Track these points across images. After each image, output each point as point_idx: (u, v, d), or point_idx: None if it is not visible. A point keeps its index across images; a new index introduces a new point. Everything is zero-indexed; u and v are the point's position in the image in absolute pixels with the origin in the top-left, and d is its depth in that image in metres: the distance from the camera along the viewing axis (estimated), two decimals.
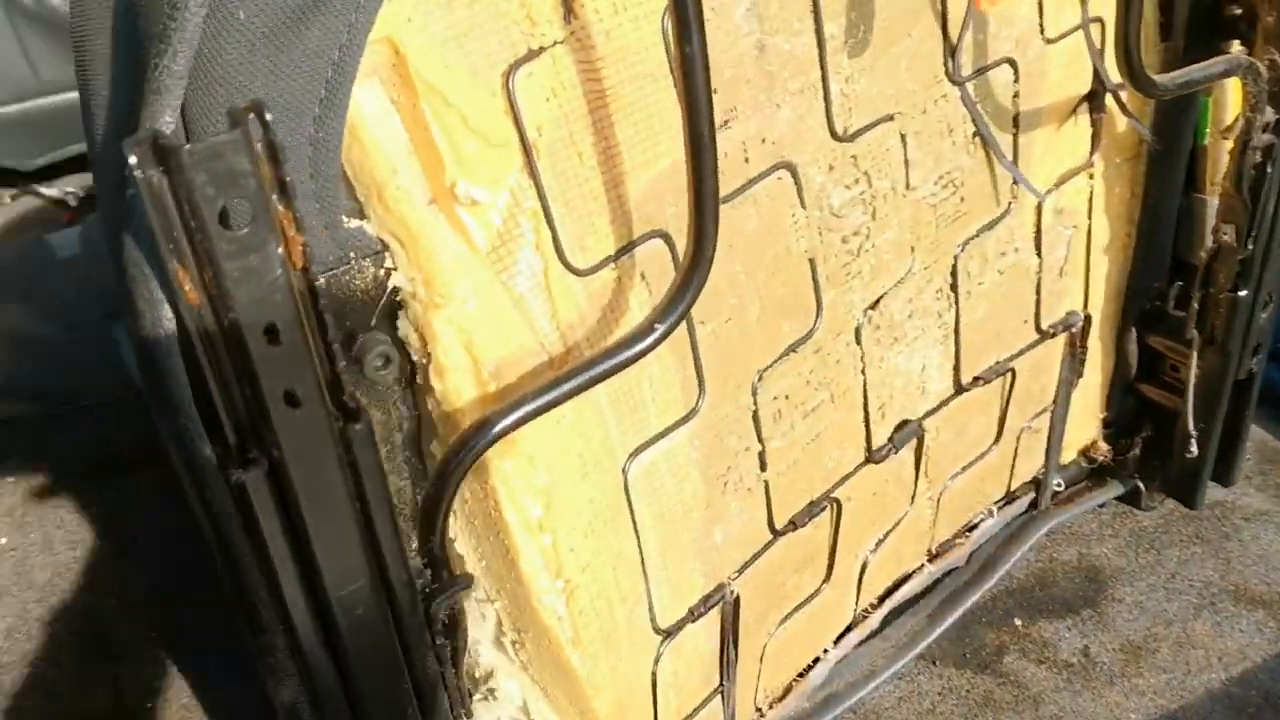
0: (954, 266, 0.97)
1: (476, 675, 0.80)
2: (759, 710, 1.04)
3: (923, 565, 1.20)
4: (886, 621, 1.19)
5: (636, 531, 0.78)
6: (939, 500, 1.13)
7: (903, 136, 0.87)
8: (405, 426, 0.69)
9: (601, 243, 0.70)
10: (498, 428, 0.61)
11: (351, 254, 0.62)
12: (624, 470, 0.75)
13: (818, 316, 0.87)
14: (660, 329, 0.65)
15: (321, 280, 0.60)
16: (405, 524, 0.67)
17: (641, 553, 0.79)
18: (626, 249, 0.71)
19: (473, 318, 0.65)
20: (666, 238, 0.74)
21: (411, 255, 0.63)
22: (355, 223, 0.62)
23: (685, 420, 0.79)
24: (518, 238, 0.66)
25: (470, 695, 0.72)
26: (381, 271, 0.64)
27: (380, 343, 0.65)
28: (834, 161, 0.83)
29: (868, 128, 0.84)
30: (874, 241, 0.89)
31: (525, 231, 0.66)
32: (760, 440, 0.86)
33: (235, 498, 0.53)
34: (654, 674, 0.84)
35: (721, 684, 0.93)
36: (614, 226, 0.71)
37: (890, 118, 0.86)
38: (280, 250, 0.48)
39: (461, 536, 0.73)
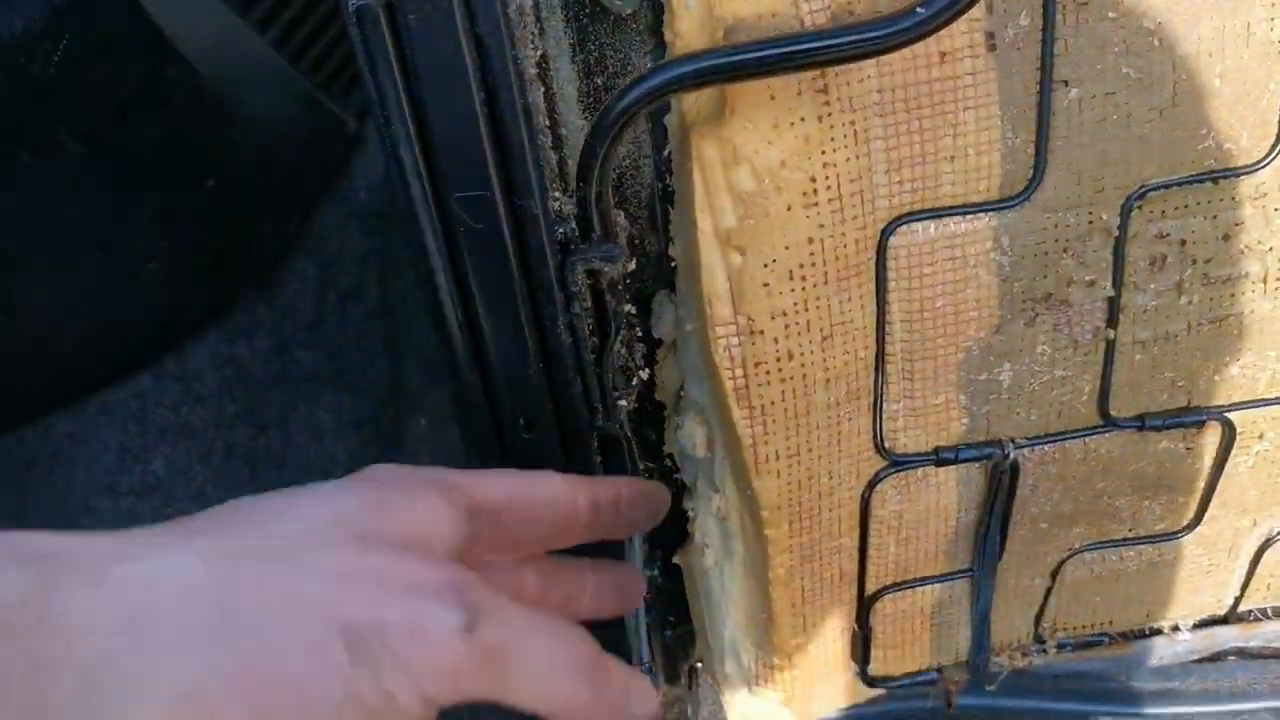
0: None
1: (682, 396, 0.72)
2: (1040, 639, 0.83)
3: None
4: None
5: (881, 311, 0.63)
6: None
7: None
8: None
9: None
10: (665, 76, 0.51)
11: None
12: (883, 231, 0.60)
13: (1275, 148, 0.60)
14: (923, 15, 0.49)
15: None
16: None
17: (881, 341, 0.64)
18: None
19: None
20: None
21: None
22: None
23: (999, 207, 0.60)
24: None
25: (613, 398, 0.65)
26: None
27: None
28: None
29: None
30: None
31: None
32: (1115, 283, 0.63)
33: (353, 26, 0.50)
34: (865, 499, 0.69)
35: (973, 569, 0.75)
36: None
37: None
38: None
39: (676, 227, 0.65)
